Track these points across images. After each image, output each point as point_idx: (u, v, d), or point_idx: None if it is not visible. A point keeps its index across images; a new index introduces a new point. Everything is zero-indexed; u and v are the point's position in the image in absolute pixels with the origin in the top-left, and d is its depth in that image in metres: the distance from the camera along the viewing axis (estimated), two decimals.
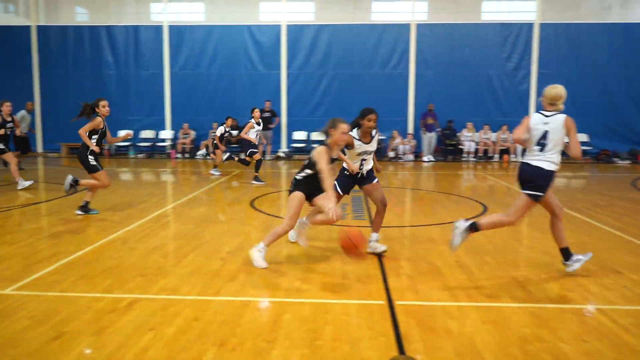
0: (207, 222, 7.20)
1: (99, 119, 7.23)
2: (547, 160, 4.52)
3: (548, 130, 4.53)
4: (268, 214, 7.78)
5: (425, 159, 16.70)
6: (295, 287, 4.47)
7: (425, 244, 6.05)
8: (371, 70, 17.45)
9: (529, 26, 17.05)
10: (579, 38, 16.91)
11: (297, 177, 4.99)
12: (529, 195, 4.56)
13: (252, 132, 10.99)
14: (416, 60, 17.40)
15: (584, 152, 16.72)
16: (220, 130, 12.59)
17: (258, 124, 11.12)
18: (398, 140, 16.88)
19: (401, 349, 3.29)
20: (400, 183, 12.06)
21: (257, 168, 11.02)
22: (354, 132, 5.41)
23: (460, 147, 16.93)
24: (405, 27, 17.36)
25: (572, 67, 16.89)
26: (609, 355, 3.23)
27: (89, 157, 7.23)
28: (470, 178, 13.33)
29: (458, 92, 17.14)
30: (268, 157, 16.75)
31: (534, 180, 4.55)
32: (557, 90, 4.61)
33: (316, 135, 17.55)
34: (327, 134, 4.93)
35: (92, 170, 7.30)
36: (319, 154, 4.79)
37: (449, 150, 17.12)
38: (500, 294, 4.34)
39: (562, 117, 4.55)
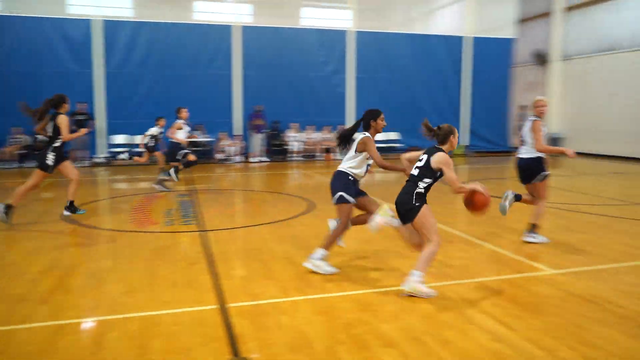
0: (11, 240, 6.32)
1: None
2: (530, 151, 6.06)
3: (524, 131, 6.16)
4: (85, 226, 7.11)
5: (255, 159, 16.89)
6: (120, 302, 4.16)
7: (257, 244, 6.12)
8: (195, 70, 17.05)
9: (344, 33, 18.32)
10: (388, 46, 18.68)
11: (418, 191, 4.45)
12: (544, 177, 6.02)
13: (181, 134, 10.19)
14: (243, 61, 17.48)
15: (397, 149, 18.57)
16: (153, 131, 11.16)
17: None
18: (226, 141, 16.80)
19: (235, 351, 3.27)
20: (231, 184, 12.03)
21: (173, 172, 10.19)
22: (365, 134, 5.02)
23: (286, 147, 17.49)
24: (228, 29, 17.33)
25: (383, 72, 18.61)
26: (418, 327, 3.64)
27: (49, 154, 7.20)
28: (297, 177, 13.86)
29: (283, 94, 17.67)
30: (86, 163, 15.33)
31: (531, 168, 6.04)
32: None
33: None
34: (444, 140, 4.63)
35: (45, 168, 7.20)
36: (446, 160, 4.44)
37: (275, 151, 17.57)
38: (328, 285, 4.58)
39: (532, 119, 6.08)
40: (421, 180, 4.51)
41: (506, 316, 3.85)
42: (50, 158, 7.15)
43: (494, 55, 19.66)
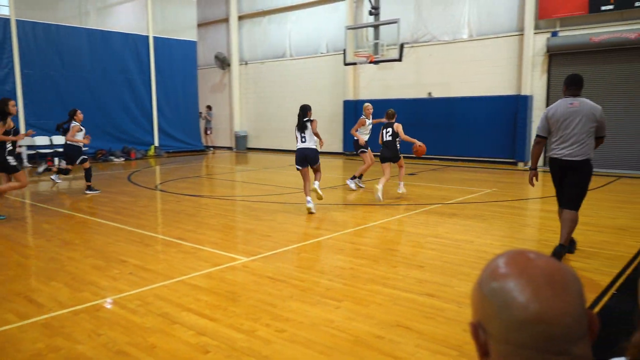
0: None
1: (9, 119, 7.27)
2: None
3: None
4: None
5: None
6: None
7: None
8: None
9: (5, 21, 15.72)
10: (60, 40, 16.84)
11: (398, 147, 8.76)
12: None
13: (80, 135, 10.17)
14: None
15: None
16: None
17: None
18: None
19: None
20: None
21: (89, 176, 10.21)
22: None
23: None
24: None
25: (57, 68, 16.71)
26: (121, 340, 3.43)
27: (8, 158, 7.37)
28: None
29: None
30: None
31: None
32: None
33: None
34: (393, 117, 8.92)
35: (13, 170, 7.48)
36: (400, 126, 8.80)
37: None
38: (6, 315, 3.89)
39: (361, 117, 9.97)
40: (395, 141, 8.73)
41: (208, 309, 3.98)
42: (10, 159, 7.46)
43: (179, 57, 19.96)
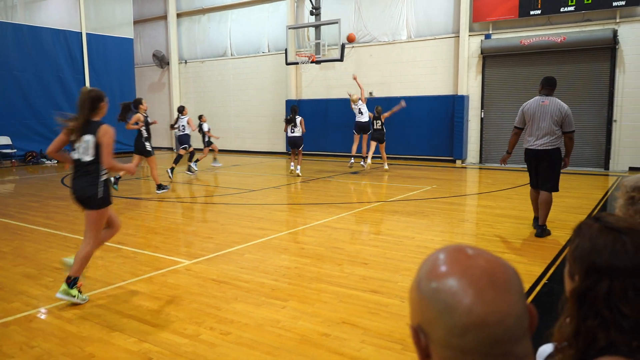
0: None
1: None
2: None
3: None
4: None
5: None
6: None
7: None
8: None
9: None
10: None
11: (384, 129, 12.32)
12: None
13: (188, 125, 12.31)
14: None
15: (7, 156, 16.13)
16: (205, 127, 13.46)
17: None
18: None
19: None
20: None
21: (191, 158, 12.49)
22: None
23: None
24: None
25: None
26: (56, 351, 3.28)
27: (146, 143, 9.48)
28: None
29: None
30: None
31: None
32: None
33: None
34: (381, 112, 12.28)
35: (147, 154, 9.53)
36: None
37: None
38: None
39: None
40: (383, 129, 12.31)
41: (149, 314, 3.87)
42: (148, 146, 9.44)
43: (114, 55, 19.23)
